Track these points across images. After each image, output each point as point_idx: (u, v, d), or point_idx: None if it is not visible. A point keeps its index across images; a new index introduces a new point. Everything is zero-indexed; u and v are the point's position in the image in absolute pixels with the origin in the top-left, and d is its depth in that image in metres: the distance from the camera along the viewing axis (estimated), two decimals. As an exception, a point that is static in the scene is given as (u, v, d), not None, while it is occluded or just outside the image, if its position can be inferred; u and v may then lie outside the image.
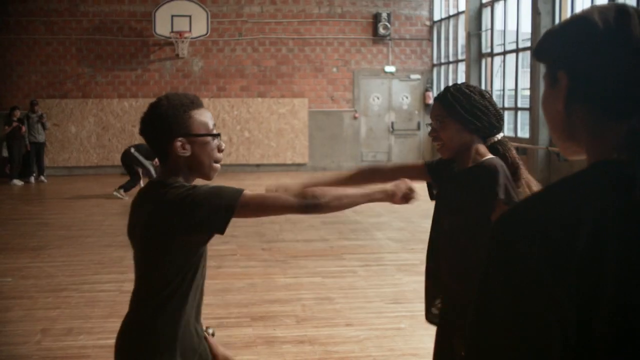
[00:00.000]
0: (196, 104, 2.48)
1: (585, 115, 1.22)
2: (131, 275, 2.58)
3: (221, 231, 2.35)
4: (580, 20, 1.24)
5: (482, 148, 2.86)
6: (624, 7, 1.21)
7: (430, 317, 3.05)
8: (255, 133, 18.55)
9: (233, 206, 2.33)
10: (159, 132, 2.44)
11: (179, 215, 2.34)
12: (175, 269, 2.40)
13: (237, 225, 6.61)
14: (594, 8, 1.24)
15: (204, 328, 2.66)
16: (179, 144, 2.42)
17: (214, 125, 2.50)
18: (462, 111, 2.81)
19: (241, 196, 2.35)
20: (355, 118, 18.96)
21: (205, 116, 2.47)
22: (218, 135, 2.49)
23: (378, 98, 19.06)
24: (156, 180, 2.51)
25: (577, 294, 1.10)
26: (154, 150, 2.49)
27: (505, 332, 1.13)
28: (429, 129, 2.96)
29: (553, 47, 1.27)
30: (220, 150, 2.50)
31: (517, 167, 2.86)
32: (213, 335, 2.69)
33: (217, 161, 2.50)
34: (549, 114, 1.29)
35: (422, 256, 3.26)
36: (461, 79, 17.47)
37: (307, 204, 2.40)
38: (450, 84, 16.52)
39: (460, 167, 2.90)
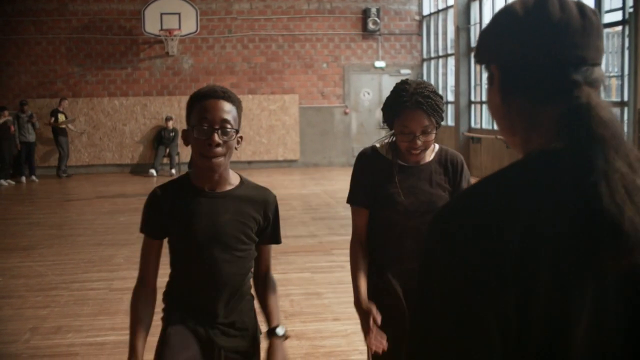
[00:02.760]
0: (205, 95, 2.47)
1: (520, 105, 1.22)
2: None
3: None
4: (504, 11, 1.25)
5: None
6: None
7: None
8: (246, 130, 18.57)
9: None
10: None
11: None
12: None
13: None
14: None
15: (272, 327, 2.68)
16: (183, 134, 2.55)
17: (218, 119, 2.43)
18: (441, 116, 2.85)
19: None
20: (345, 114, 19.00)
21: (204, 108, 2.44)
22: (202, 127, 2.43)
23: (368, 93, 19.10)
24: None
25: (514, 290, 1.09)
26: None
27: (444, 328, 1.11)
28: (409, 136, 2.81)
29: (485, 45, 1.28)
30: (209, 144, 2.42)
31: None
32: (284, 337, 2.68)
33: (203, 155, 2.45)
34: (492, 111, 1.30)
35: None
36: (451, 73, 17.53)
37: None
38: (441, 78, 16.23)
39: (415, 160, 2.93)
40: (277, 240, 2.74)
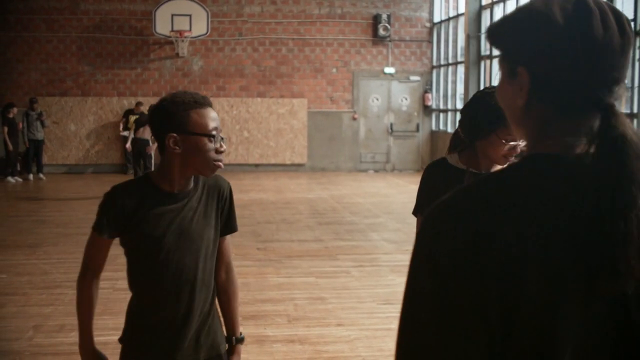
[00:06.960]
0: (200, 103, 2.48)
1: (543, 112, 1.20)
2: (125, 274, 2.70)
3: None
4: (540, 14, 1.18)
5: None
6: (584, 1, 1.17)
7: None
8: (254, 133, 18.58)
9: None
10: (157, 125, 2.52)
11: None
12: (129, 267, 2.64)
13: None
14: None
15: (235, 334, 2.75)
16: (171, 140, 2.47)
17: (216, 127, 2.48)
18: None
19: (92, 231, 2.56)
20: (354, 119, 18.99)
21: (204, 116, 2.47)
22: (212, 136, 2.47)
23: (377, 99, 19.09)
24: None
25: (500, 293, 1.08)
26: (156, 141, 2.57)
27: (430, 329, 1.11)
28: (512, 145, 2.84)
29: (511, 37, 1.23)
30: (217, 151, 2.49)
31: None
32: (237, 343, 2.75)
33: (214, 161, 2.49)
34: (506, 104, 1.27)
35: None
36: (460, 81, 17.50)
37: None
38: (450, 86, 16.13)
39: (488, 167, 2.95)
40: (233, 228, 2.71)
